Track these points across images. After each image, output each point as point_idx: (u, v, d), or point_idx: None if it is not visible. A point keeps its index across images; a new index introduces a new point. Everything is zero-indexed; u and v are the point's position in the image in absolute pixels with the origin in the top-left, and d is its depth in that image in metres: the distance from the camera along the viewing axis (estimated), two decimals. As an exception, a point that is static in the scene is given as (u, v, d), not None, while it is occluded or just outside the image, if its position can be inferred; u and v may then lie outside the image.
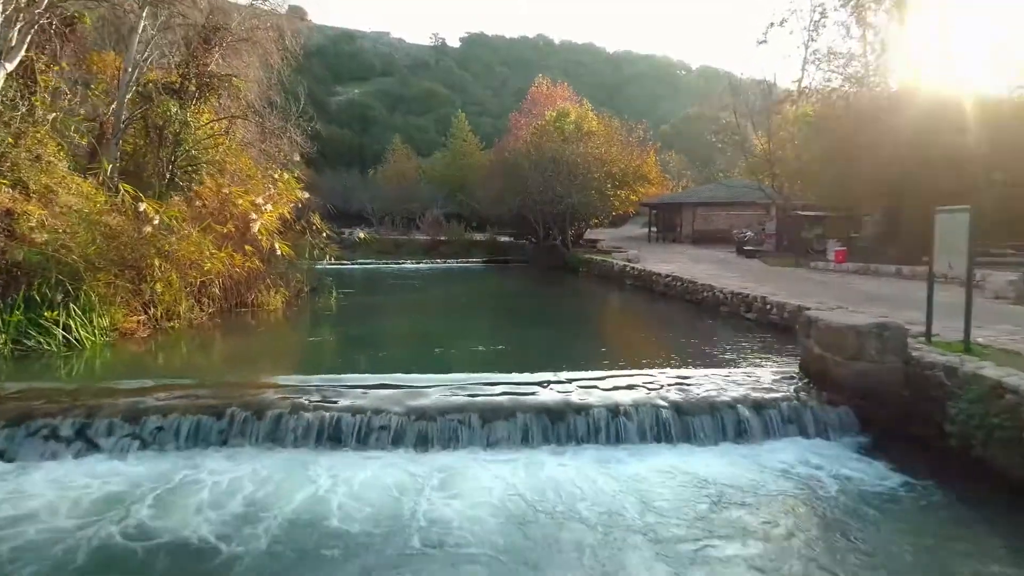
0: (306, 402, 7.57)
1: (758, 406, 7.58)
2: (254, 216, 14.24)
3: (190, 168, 19.73)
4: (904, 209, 22.15)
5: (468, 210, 54.47)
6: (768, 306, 13.54)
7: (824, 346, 8.17)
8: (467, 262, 37.22)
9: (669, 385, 8.18)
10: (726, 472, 6.48)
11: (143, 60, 21.34)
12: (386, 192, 59.44)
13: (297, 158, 19.29)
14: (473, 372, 8.83)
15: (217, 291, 14.53)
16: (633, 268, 23.23)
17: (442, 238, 45.39)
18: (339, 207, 63.22)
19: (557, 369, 9.04)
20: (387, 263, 36.00)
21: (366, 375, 8.86)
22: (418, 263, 36.15)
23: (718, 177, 51.60)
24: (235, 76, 22.47)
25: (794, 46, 25.92)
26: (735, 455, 6.94)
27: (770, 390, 8.06)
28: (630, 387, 8.07)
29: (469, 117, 64.53)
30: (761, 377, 8.66)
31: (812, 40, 23.67)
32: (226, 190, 14.63)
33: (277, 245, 14.89)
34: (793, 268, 23.39)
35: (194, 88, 21.24)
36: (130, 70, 19.98)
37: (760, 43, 25.78)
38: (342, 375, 8.89)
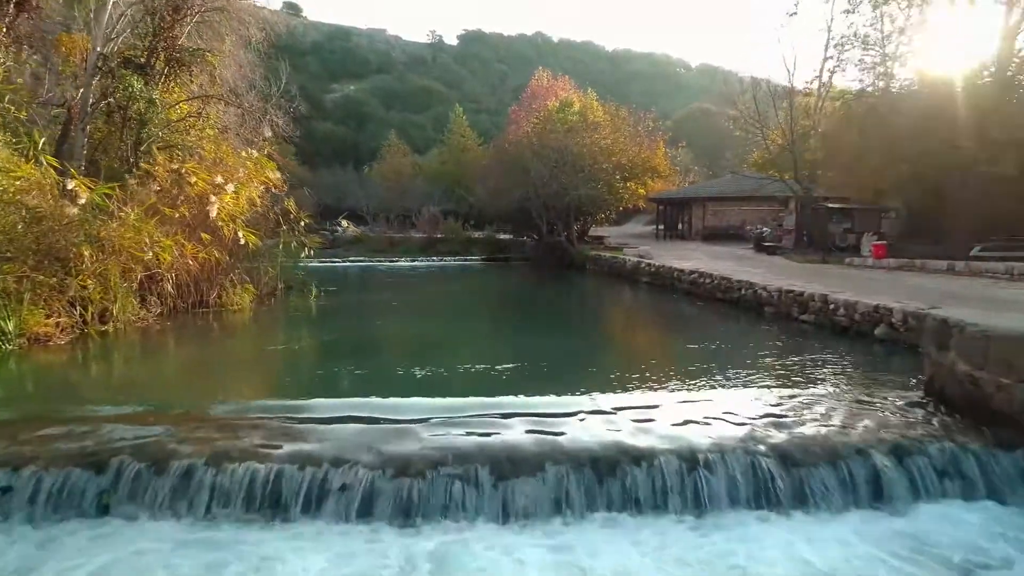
0: (235, 446, 5.08)
1: (898, 452, 5.11)
2: (213, 198, 11.70)
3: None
4: (949, 200, 19.77)
5: (466, 207, 51.99)
6: (832, 306, 11.07)
7: (976, 362, 5.70)
8: (465, 260, 34.73)
9: (757, 417, 5.70)
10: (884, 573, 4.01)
11: (113, 38, 18.90)
12: (381, 189, 56.92)
13: (268, 133, 16.75)
14: (478, 396, 6.34)
15: (169, 288, 12.02)
16: (649, 265, 20.76)
17: (439, 236, 42.94)
18: (333, 204, 61.17)
19: (591, 390, 6.57)
20: (381, 261, 33.53)
21: (331, 400, 6.37)
22: (413, 261, 33.66)
23: (725, 173, 49.21)
24: (209, 52, 20.02)
25: (825, 19, 23.44)
26: (884, 536, 4.46)
27: (904, 426, 5.58)
28: (704, 421, 5.59)
29: (467, 114, 61.98)
30: (877, 405, 6.19)
31: (850, 12, 21.24)
32: (176, 166, 12.08)
33: (241, 234, 12.35)
34: (824, 264, 20.97)
35: (162, 64, 18.82)
36: (98, 49, 17.56)
37: (791, 15, 23.43)
38: (298, 401, 6.41)
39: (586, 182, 28.44)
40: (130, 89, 16.91)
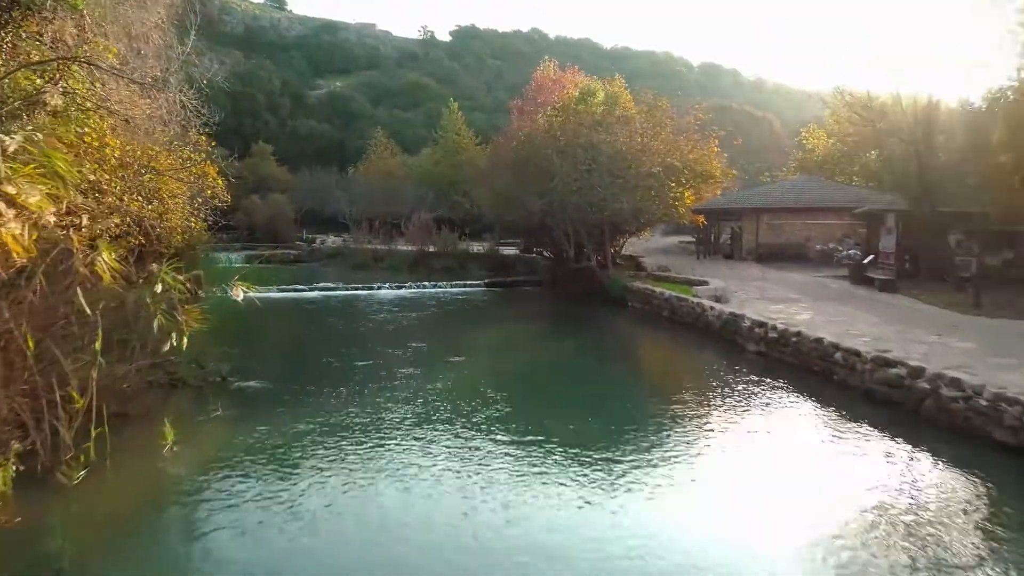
0: None
1: None
2: None
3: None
4: None
5: (461, 212, 44.05)
6: None
7: None
8: (463, 285, 26.57)
9: None
10: None
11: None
12: (367, 192, 48.68)
13: (58, 102, 8.79)
14: None
15: None
16: (764, 327, 12.76)
17: (431, 249, 34.91)
18: (316, 208, 52.92)
19: None
20: (358, 288, 25.32)
21: None
22: (399, 288, 25.46)
23: (764, 179, 41.47)
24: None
25: None
26: None
27: None
28: None
29: (461, 112, 53.75)
30: None
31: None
32: None
33: None
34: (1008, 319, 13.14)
35: (-12, 4, 10.62)
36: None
37: None
38: None
39: (631, 190, 20.47)
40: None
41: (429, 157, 53.03)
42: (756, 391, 10.87)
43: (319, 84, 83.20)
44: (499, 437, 8.31)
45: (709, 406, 10.07)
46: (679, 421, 9.27)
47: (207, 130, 17.75)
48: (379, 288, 25.33)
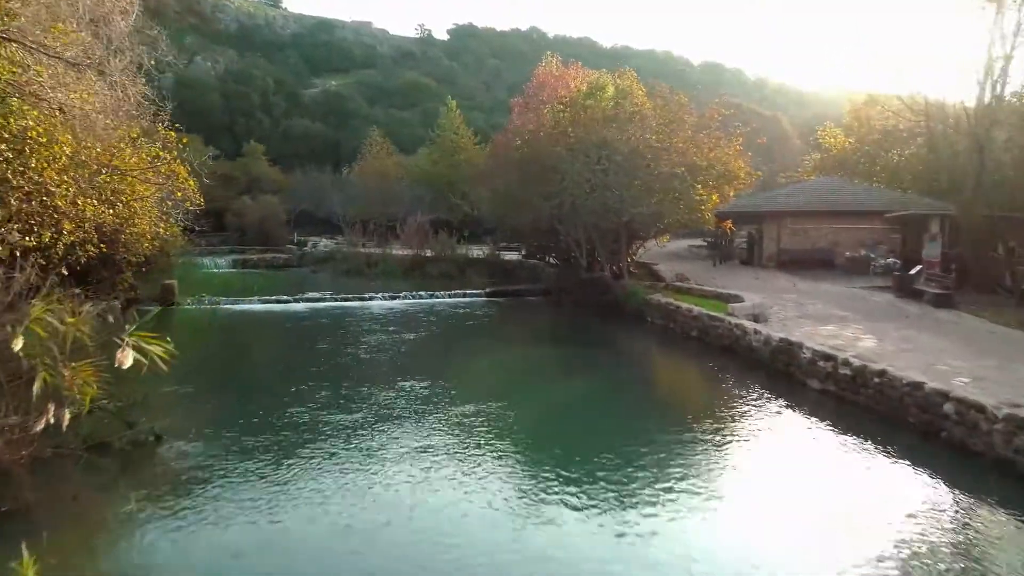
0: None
1: None
2: None
3: None
4: None
5: (460, 215, 41.79)
6: None
7: None
8: (462, 295, 24.13)
9: None
10: None
11: None
12: (362, 193, 46.33)
13: None
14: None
15: None
16: (833, 361, 10.36)
17: (427, 253, 32.61)
18: (310, 210, 50.51)
19: None
20: (348, 298, 22.88)
21: None
22: (392, 298, 23.03)
23: (781, 180, 39.10)
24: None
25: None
26: None
27: None
28: None
29: (460, 111, 51.28)
30: None
31: None
32: None
33: None
34: None
35: None
36: None
37: None
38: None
39: (650, 193, 18.14)
40: None
41: (426, 157, 50.65)
42: (836, 447, 8.49)
43: (314, 83, 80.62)
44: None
45: (783, 468, 7.69)
46: (751, 489, 6.88)
47: (177, 125, 15.36)
48: (371, 299, 22.90)
